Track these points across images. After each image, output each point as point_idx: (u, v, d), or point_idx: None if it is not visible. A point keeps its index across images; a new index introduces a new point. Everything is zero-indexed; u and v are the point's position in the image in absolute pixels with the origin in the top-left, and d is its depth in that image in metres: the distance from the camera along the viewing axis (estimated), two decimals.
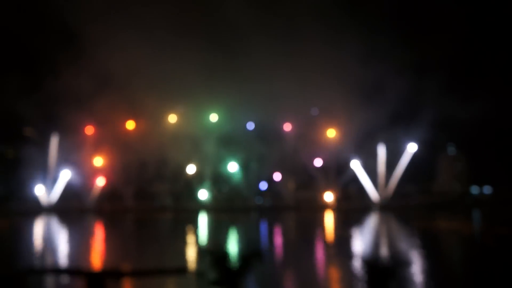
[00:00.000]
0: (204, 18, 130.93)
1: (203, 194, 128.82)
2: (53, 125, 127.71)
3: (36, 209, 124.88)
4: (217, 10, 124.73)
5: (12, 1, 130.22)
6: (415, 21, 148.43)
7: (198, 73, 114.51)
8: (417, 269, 33.57)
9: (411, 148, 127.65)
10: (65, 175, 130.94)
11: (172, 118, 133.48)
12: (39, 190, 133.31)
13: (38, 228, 77.70)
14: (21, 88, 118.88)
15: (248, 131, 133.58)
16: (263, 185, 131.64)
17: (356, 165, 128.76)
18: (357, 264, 15.94)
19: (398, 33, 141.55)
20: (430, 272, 35.97)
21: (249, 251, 18.10)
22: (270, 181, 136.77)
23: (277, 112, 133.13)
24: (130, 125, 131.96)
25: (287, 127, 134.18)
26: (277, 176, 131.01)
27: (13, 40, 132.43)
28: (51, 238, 65.83)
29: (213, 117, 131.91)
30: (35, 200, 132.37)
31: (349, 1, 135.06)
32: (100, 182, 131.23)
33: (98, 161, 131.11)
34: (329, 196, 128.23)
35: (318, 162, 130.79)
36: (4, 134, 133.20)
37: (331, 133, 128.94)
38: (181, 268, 18.55)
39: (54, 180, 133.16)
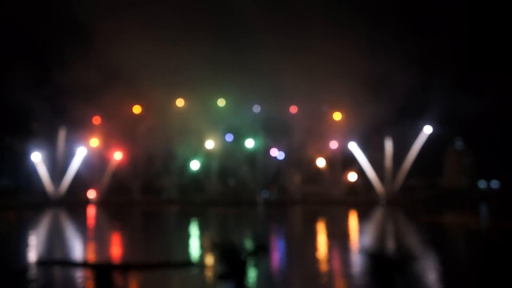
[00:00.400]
0: (217, 11, 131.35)
1: (194, 165, 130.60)
2: (60, 118, 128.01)
3: (44, 201, 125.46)
4: (229, 3, 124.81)
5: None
6: (424, 17, 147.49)
7: (207, 66, 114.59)
8: (423, 264, 33.44)
9: (427, 130, 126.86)
10: (80, 155, 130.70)
11: (180, 102, 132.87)
12: (47, 183, 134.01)
13: (46, 221, 77.90)
14: (29, 81, 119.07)
15: (255, 114, 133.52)
16: (265, 193, 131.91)
17: (358, 155, 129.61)
18: (362, 258, 15.87)
19: (406, 28, 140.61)
20: (437, 266, 35.89)
21: (255, 245, 18.09)
22: (277, 174, 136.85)
23: (286, 106, 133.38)
24: (137, 109, 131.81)
25: (294, 111, 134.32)
26: (273, 152, 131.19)
27: (21, 34, 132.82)
28: (59, 230, 66.02)
29: (221, 102, 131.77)
30: (43, 193, 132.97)
31: None
32: (108, 174, 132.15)
33: (106, 154, 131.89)
34: (352, 176, 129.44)
35: (322, 160, 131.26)
36: (13, 127, 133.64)
37: (337, 116, 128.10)
38: (188, 262, 18.51)
39: (62, 173, 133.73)
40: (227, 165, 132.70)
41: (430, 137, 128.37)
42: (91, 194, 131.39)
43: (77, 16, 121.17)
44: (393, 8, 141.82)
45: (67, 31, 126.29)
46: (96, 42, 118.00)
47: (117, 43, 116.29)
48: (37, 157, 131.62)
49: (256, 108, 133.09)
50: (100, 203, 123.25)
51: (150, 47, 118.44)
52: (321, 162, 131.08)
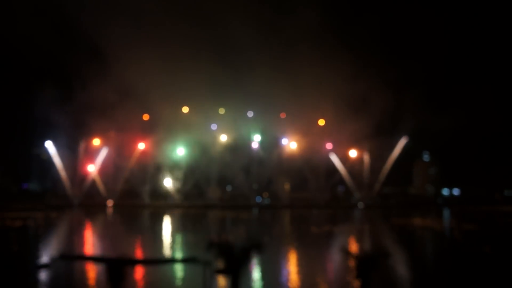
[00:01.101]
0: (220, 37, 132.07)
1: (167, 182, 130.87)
2: (80, 131, 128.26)
3: (67, 204, 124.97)
4: (227, 32, 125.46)
5: (49, 27, 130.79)
6: (397, 44, 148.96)
7: (207, 87, 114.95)
8: (395, 259, 33.38)
9: (400, 144, 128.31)
10: (97, 163, 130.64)
11: (185, 109, 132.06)
12: (70, 187, 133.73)
13: (68, 221, 77.60)
14: (54, 99, 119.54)
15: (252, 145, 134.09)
16: (258, 199, 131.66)
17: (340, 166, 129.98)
18: (343, 255, 15.81)
19: (381, 53, 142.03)
20: (407, 261, 35.86)
21: (250, 243, 18.01)
22: (269, 183, 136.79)
23: (276, 125, 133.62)
24: (145, 121, 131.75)
25: (284, 141, 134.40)
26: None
27: (47, 58, 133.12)
28: (80, 229, 65.81)
29: (221, 111, 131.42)
30: (66, 196, 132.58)
31: (340, 27, 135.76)
32: (121, 180, 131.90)
33: (120, 163, 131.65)
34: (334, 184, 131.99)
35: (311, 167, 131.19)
36: (41, 138, 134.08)
37: (321, 122, 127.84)
38: (190, 258, 18.42)
39: (82, 179, 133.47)
40: (225, 174, 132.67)
41: (402, 151, 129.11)
42: (107, 197, 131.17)
43: (95, 44, 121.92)
44: (371, 36, 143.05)
45: (86, 57, 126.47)
46: (110, 65, 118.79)
47: (128, 66, 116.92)
48: (62, 165, 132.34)
49: (250, 114, 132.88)
50: (115, 206, 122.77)
51: (158, 66, 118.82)
52: (307, 172, 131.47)
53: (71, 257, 31.31)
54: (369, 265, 16.44)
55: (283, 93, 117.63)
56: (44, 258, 29.67)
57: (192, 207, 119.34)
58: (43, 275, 24.46)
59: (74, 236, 55.61)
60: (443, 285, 28.40)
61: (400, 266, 32.66)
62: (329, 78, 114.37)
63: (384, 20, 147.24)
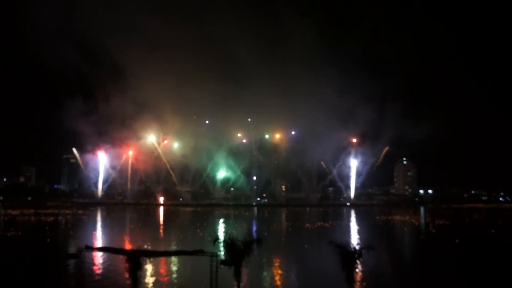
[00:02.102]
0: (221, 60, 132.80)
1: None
2: (104, 139, 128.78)
3: (91, 202, 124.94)
4: (229, 52, 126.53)
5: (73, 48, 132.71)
6: (378, 63, 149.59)
7: (214, 101, 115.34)
8: (378, 251, 33.28)
9: (382, 150, 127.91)
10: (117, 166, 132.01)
11: (194, 120, 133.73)
12: (94, 188, 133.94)
13: (93, 217, 77.44)
14: (81, 110, 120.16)
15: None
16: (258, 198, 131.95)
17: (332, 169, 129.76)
18: (332, 246, 15.82)
19: (366, 71, 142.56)
20: (388, 252, 35.79)
21: (250, 237, 18.01)
22: (267, 184, 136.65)
23: (273, 131, 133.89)
24: (160, 135, 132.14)
25: (280, 140, 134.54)
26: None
27: (72, 75, 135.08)
28: (103, 224, 65.75)
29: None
30: (91, 195, 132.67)
31: (328, 46, 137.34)
32: (137, 182, 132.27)
33: (137, 167, 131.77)
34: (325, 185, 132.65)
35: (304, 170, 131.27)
36: (70, 145, 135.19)
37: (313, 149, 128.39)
38: (198, 250, 18.43)
39: (104, 180, 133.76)
40: (228, 176, 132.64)
41: (384, 156, 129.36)
42: (125, 196, 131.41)
43: (116, 63, 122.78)
44: (355, 58, 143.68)
45: (109, 75, 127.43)
46: (130, 82, 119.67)
47: (146, 84, 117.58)
48: (87, 168, 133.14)
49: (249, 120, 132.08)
50: (132, 204, 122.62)
51: (171, 84, 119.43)
52: (301, 175, 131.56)
53: (95, 248, 31.30)
54: (353, 257, 16.39)
55: (278, 105, 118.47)
56: (72, 249, 29.70)
57: (199, 206, 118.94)
58: (71, 263, 24.58)
59: (98, 230, 55.74)
60: (422, 268, 28.48)
61: (382, 256, 32.56)
62: (319, 92, 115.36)
63: (367, 46, 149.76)
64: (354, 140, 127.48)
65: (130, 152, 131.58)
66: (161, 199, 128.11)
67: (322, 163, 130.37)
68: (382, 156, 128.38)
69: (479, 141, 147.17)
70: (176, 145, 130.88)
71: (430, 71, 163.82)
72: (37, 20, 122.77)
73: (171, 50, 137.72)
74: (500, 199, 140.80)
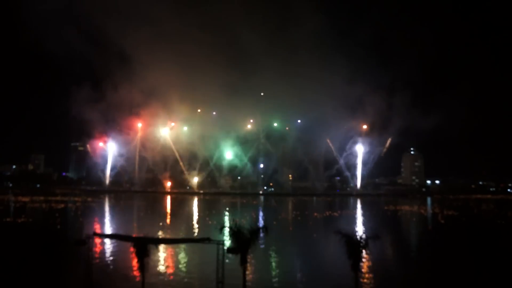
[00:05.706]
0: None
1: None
2: (112, 127, 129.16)
3: (98, 189, 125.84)
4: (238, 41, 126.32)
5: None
6: (388, 53, 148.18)
7: (221, 89, 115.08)
8: (385, 240, 33.22)
9: (389, 141, 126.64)
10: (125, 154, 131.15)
11: (200, 111, 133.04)
12: (102, 176, 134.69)
13: (101, 204, 77.98)
14: (89, 99, 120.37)
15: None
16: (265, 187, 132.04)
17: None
18: (337, 237, 15.77)
19: (375, 61, 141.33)
20: (396, 242, 35.75)
21: (256, 226, 18.02)
22: (274, 173, 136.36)
23: (280, 120, 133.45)
24: (167, 122, 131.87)
25: (288, 129, 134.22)
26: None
27: (81, 65, 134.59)
28: (110, 211, 66.25)
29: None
30: (99, 183, 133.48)
31: (337, 35, 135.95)
32: (144, 170, 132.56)
33: (144, 155, 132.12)
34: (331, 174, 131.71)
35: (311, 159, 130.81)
36: (78, 133, 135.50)
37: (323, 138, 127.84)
38: (206, 238, 18.50)
39: (112, 168, 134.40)
40: (235, 165, 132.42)
41: (391, 146, 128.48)
42: (132, 184, 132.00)
43: (124, 52, 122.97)
44: (364, 45, 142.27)
45: (116, 64, 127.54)
46: (138, 70, 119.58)
47: (153, 72, 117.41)
48: (95, 156, 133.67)
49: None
50: (139, 192, 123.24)
51: (179, 74, 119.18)
52: (308, 163, 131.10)
53: (103, 235, 31.61)
54: (359, 246, 16.39)
55: (287, 94, 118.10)
56: (80, 235, 30.05)
57: (206, 194, 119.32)
58: (79, 249, 24.88)
59: (106, 216, 56.23)
60: (431, 258, 28.40)
61: (389, 246, 32.55)
62: (328, 82, 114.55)
63: (377, 34, 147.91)
64: (363, 128, 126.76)
65: (138, 140, 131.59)
66: (168, 186, 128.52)
67: (329, 143, 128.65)
68: (387, 145, 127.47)
69: (487, 132, 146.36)
70: (184, 129, 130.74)
71: (441, 59, 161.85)
72: (44, 7, 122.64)
73: (179, 38, 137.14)
74: (508, 190, 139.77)
